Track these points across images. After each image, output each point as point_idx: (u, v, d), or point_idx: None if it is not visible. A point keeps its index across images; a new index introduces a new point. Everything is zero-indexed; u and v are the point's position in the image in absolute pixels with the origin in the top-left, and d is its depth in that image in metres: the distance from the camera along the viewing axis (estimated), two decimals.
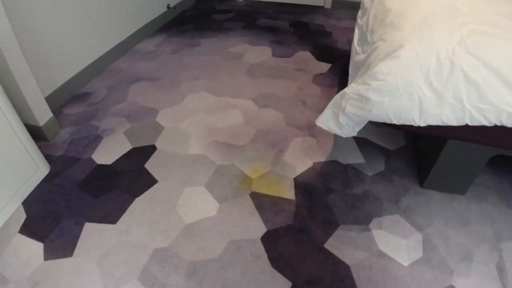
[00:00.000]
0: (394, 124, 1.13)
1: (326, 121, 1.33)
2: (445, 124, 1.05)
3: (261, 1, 3.37)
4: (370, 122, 1.57)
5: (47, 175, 1.67)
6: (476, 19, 1.09)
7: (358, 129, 1.31)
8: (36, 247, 1.36)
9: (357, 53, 1.55)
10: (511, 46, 0.96)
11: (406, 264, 1.19)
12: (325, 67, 2.30)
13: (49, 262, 1.30)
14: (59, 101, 2.11)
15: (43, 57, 1.96)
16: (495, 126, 1.02)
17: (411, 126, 1.10)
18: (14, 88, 1.65)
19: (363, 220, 1.34)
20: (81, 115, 2.04)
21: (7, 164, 1.46)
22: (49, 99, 1.97)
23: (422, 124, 1.06)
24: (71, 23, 2.12)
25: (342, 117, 1.24)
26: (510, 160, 1.58)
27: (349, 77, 1.60)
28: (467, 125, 1.04)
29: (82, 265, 1.28)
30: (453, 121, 1.03)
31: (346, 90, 1.18)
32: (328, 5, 3.12)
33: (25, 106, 1.72)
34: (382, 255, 1.22)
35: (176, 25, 3.07)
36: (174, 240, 1.33)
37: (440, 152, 1.26)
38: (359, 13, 1.78)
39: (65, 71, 2.14)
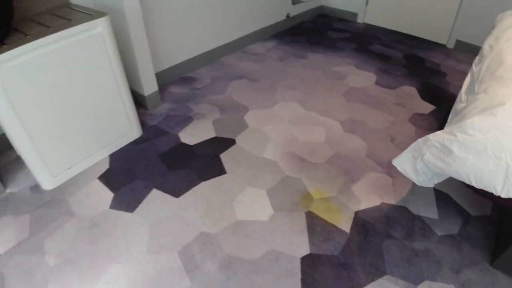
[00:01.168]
0: (473, 187, 1.02)
1: (403, 163, 1.25)
2: None
3: (380, 27, 3.27)
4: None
5: (137, 139, 1.88)
6: None
7: (436, 181, 1.21)
8: (106, 195, 1.55)
9: (461, 101, 1.43)
10: None
11: None
12: (427, 107, 2.14)
13: (112, 211, 1.48)
14: (168, 78, 2.35)
15: (164, 38, 2.21)
16: None
17: (491, 194, 0.98)
18: (131, 57, 1.90)
19: (413, 279, 1.23)
20: (182, 95, 2.25)
21: (106, 118, 1.69)
22: (160, 75, 2.21)
23: (503, 195, 0.94)
24: (197, 13, 2.34)
25: (420, 163, 1.15)
26: None
27: (446, 124, 1.48)
28: None
29: (137, 223, 1.42)
30: None
31: (430, 136, 1.10)
32: (451, 44, 2.89)
33: (136, 75, 1.97)
34: None
35: (290, 34, 3.16)
36: (221, 230, 1.39)
37: None
38: (476, 59, 1.63)
39: (179, 54, 2.39)
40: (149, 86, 2.05)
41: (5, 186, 1.61)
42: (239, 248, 1.32)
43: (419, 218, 1.46)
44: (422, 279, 1.22)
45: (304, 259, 1.28)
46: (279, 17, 3.11)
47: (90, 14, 1.50)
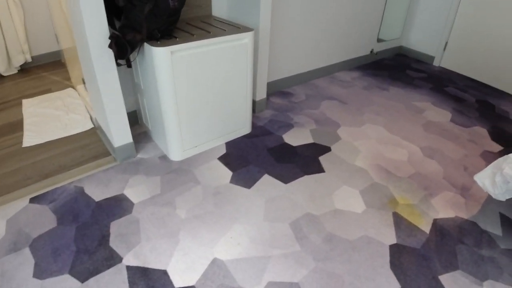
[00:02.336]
0: None
1: (483, 178, 1.57)
2: None
3: (455, 72, 3.57)
4: None
5: (248, 134, 2.31)
6: None
7: (508, 196, 1.51)
8: (226, 173, 1.96)
9: None
10: None
11: None
12: (496, 148, 2.41)
13: (232, 185, 1.88)
14: (270, 90, 2.80)
15: (274, 56, 2.67)
16: None
17: None
18: (254, 66, 2.35)
19: (480, 276, 1.51)
20: (282, 106, 2.67)
21: (231, 112, 2.13)
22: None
23: None
24: (300, 39, 2.79)
25: (498, 177, 1.47)
26: None
27: None
28: None
29: (254, 197, 1.81)
30: None
31: (510, 155, 1.42)
32: None
33: (254, 81, 2.41)
34: None
35: (372, 68, 3.54)
36: (323, 214, 1.75)
37: None
38: None
39: (281, 71, 2.83)
40: (260, 93, 2.49)
41: (136, 152, 2.07)
42: (338, 229, 1.67)
43: (486, 232, 1.74)
44: (487, 278, 1.51)
45: (392, 247, 1.61)
46: (364, 51, 3.51)
47: (238, 27, 1.96)
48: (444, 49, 3.60)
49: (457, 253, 1.61)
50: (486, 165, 2.22)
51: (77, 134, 2.21)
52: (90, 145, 2.09)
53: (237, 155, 2.11)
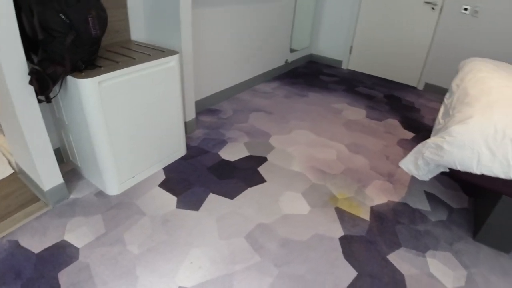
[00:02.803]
0: (458, 173, 1.54)
1: (407, 163, 1.77)
2: (495, 176, 1.44)
3: (362, 73, 3.95)
4: (441, 180, 1.97)
5: (184, 156, 2.28)
6: None
7: (430, 176, 1.72)
8: (170, 198, 1.92)
9: (439, 123, 1.99)
10: None
11: (449, 287, 1.52)
12: (409, 135, 2.73)
13: (179, 210, 1.84)
14: (197, 109, 2.80)
15: (198, 75, 2.69)
16: None
17: (470, 173, 1.50)
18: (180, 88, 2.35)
19: (421, 249, 1.69)
20: (212, 123, 2.69)
21: (165, 136, 2.09)
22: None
23: (478, 173, 1.46)
24: (221, 57, 2.86)
25: (420, 160, 1.67)
26: None
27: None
28: None
29: (204, 218, 1.79)
30: (501, 174, 1.42)
31: (427, 140, 1.63)
32: (420, 86, 3.61)
33: (183, 105, 2.41)
34: (431, 276, 1.56)
35: (289, 77, 3.75)
36: (274, 221, 1.80)
37: (493, 208, 1.61)
38: (447, 95, 2.23)
39: (206, 89, 2.86)
40: (189, 114, 2.48)
41: (69, 192, 1.92)
42: (290, 232, 1.74)
43: (417, 210, 1.95)
44: (427, 249, 1.69)
45: (341, 239, 1.72)
46: (279, 62, 3.71)
47: (162, 51, 1.95)
48: (350, 52, 3.98)
49: (397, 233, 1.78)
50: (404, 152, 2.50)
51: None
52: (15, 193, 1.87)
53: (178, 178, 2.07)
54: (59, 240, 1.60)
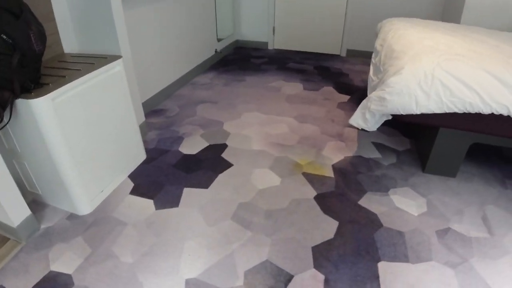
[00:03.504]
0: (402, 117, 1.79)
1: (356, 119, 1.98)
2: (432, 112, 1.71)
3: (288, 50, 4.17)
4: (383, 130, 2.23)
5: (145, 160, 2.27)
6: (449, 53, 1.79)
7: (377, 126, 1.96)
8: (146, 202, 1.92)
9: (373, 80, 2.25)
10: (467, 65, 1.66)
11: (416, 214, 1.77)
12: (345, 98, 2.99)
13: (159, 211, 1.86)
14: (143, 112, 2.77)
15: (138, 77, 2.66)
16: (469, 114, 1.68)
17: (412, 115, 1.76)
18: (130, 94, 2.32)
19: (384, 190, 1.93)
20: (162, 123, 2.69)
21: (123, 143, 2.06)
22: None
23: (418, 112, 1.72)
24: (157, 54, 2.85)
25: (367, 114, 1.89)
26: (489, 155, 2.20)
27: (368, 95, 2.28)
28: (447, 114, 1.70)
29: (187, 211, 1.84)
30: (437, 110, 1.69)
31: (370, 95, 1.85)
32: (343, 53, 3.95)
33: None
34: (398, 209, 1.80)
35: (222, 65, 3.83)
36: (252, 198, 1.91)
37: (434, 141, 1.90)
38: (373, 55, 2.50)
39: (148, 91, 2.83)
40: (139, 117, 2.46)
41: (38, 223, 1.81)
42: (271, 204, 1.86)
43: (370, 159, 2.20)
44: (388, 189, 1.94)
45: (315, 198, 1.89)
46: (210, 53, 3.76)
47: (105, 58, 1.91)
48: (273, 33, 4.16)
49: (360, 181, 2.00)
50: (345, 113, 2.75)
51: None
52: None
53: (147, 182, 2.07)
54: (46, 272, 1.53)
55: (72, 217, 1.84)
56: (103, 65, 1.82)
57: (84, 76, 1.70)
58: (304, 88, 3.19)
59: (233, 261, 1.53)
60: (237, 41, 4.38)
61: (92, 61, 1.87)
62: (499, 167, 2.13)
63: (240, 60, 3.99)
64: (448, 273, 1.44)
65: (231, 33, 4.24)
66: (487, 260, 1.50)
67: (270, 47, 4.26)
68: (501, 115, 1.66)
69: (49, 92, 1.51)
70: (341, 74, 3.47)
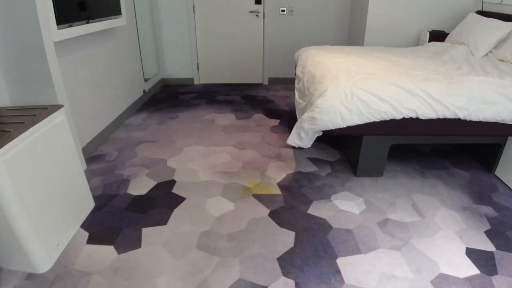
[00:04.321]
0: (331, 132, 2.08)
1: (292, 139, 2.23)
2: (355, 124, 2.03)
3: (214, 83, 4.40)
4: (315, 146, 2.51)
5: (94, 207, 2.24)
6: (361, 73, 2.16)
7: (311, 142, 2.23)
8: (107, 249, 1.91)
9: (300, 103, 2.55)
10: (377, 81, 2.02)
11: (357, 212, 2.04)
12: (276, 122, 3.27)
13: (123, 254, 1.87)
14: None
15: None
16: (385, 121, 2.03)
17: (340, 128, 2.06)
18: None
19: (326, 197, 2.18)
20: (103, 168, 2.66)
21: (71, 193, 2.03)
22: None
23: (344, 125, 2.03)
24: (90, 103, 2.84)
25: (302, 133, 2.15)
26: (407, 153, 2.60)
27: (298, 118, 2.56)
28: (368, 124, 2.03)
29: (151, 250, 1.88)
30: (359, 121, 2.02)
31: (302, 116, 2.11)
32: (265, 82, 4.31)
33: None
34: (342, 211, 2.06)
35: (152, 104, 3.89)
36: (211, 225, 2.01)
37: (360, 148, 2.22)
38: (296, 81, 2.83)
39: (82, 137, 2.80)
40: (81, 164, 2.41)
41: None
42: (230, 227, 1.97)
43: (309, 173, 2.45)
44: (330, 195, 2.20)
45: (269, 214, 2.06)
46: (138, 93, 3.80)
47: (45, 108, 1.91)
48: (198, 69, 4.36)
49: (305, 193, 2.23)
50: (278, 136, 3.00)
51: None
52: None
53: (102, 229, 2.04)
54: None
55: (31, 276, 1.74)
56: (46, 116, 1.81)
57: (30, 129, 1.68)
58: (237, 118, 3.41)
59: (208, 286, 1.62)
60: (163, 79, 4.48)
61: (34, 113, 1.85)
62: (417, 161, 2.55)
63: (169, 97, 4.09)
64: (395, 255, 1.70)
65: (156, 72, 4.34)
66: (424, 238, 1.81)
67: (196, 82, 4.44)
68: (411, 118, 2.04)
69: None
70: (268, 101, 3.77)
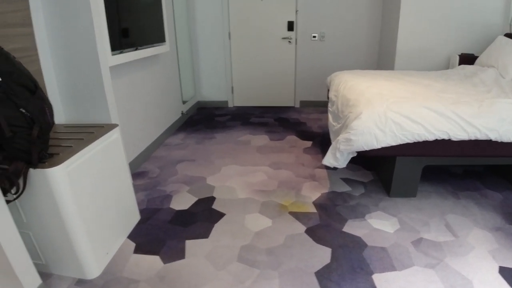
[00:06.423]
0: (366, 152, 2.17)
1: (328, 159, 2.34)
2: (389, 145, 2.12)
3: (247, 106, 4.59)
4: (348, 167, 2.61)
5: (140, 220, 2.40)
6: (394, 96, 2.27)
7: (346, 163, 2.32)
8: (153, 259, 2.05)
9: (334, 126, 2.66)
10: (409, 104, 2.12)
11: (392, 231, 2.10)
12: (308, 143, 3.39)
13: (168, 264, 2.00)
14: None
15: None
16: (418, 142, 2.11)
17: (374, 149, 2.15)
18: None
19: (360, 216, 2.25)
20: (147, 184, 2.85)
21: (121, 206, 2.20)
22: None
23: (379, 147, 2.12)
24: (135, 123, 3.07)
25: (337, 153, 2.26)
26: (440, 174, 2.64)
27: (332, 140, 2.66)
28: (402, 145, 2.11)
29: (194, 261, 2.00)
30: (393, 142, 2.11)
31: (338, 138, 2.23)
32: (297, 105, 4.47)
33: None
34: (376, 230, 2.12)
35: (189, 125, 4.11)
36: (251, 240, 2.12)
37: (394, 169, 2.30)
38: (329, 104, 2.95)
39: (128, 155, 3.01)
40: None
41: None
42: (269, 242, 2.08)
43: (343, 192, 2.54)
44: (364, 214, 2.27)
45: (306, 231, 2.15)
46: (177, 115, 4.04)
47: (102, 127, 2.11)
48: (232, 92, 4.57)
49: (339, 212, 2.31)
50: (312, 157, 3.11)
51: None
52: None
53: (148, 240, 2.20)
54: None
55: (80, 282, 1.90)
56: (103, 134, 2.01)
57: (90, 145, 1.88)
58: (270, 139, 3.55)
59: None
60: (199, 102, 4.73)
61: (91, 131, 2.05)
62: (449, 182, 2.59)
63: (205, 119, 4.30)
64: (429, 272, 1.75)
65: (193, 95, 4.59)
66: (458, 257, 1.85)
67: (230, 105, 4.65)
68: (443, 139, 2.11)
69: (63, 161, 1.66)
70: (300, 123, 3.90)
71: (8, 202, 1.58)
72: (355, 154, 2.31)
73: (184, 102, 4.22)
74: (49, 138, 1.72)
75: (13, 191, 1.57)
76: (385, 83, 2.69)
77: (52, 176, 1.63)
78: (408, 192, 2.41)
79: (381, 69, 4.10)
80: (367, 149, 2.17)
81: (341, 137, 2.22)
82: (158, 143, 3.56)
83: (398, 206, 2.35)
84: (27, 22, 2.08)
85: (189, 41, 4.48)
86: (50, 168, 1.61)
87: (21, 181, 1.62)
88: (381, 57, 4.24)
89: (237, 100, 4.63)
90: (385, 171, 2.53)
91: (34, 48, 2.15)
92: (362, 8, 4.22)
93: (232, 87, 4.58)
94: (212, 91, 4.64)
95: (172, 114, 3.93)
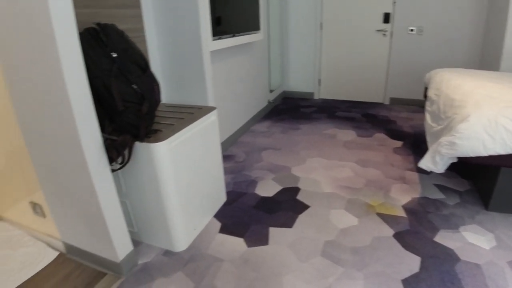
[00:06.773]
0: (470, 159, 2.01)
1: (425, 162, 2.21)
2: (497, 153, 1.93)
3: (334, 99, 4.51)
4: (443, 174, 2.45)
5: (226, 202, 2.52)
6: (505, 100, 2.05)
7: (445, 168, 2.18)
8: (237, 241, 2.14)
9: (432, 127, 2.49)
10: None
11: (487, 248, 1.94)
12: (399, 143, 3.24)
13: (252, 248, 2.08)
14: None
15: None
16: None
17: (480, 157, 1.98)
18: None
19: (454, 227, 2.11)
20: (233, 168, 2.97)
21: (212, 184, 2.32)
22: None
23: (486, 154, 1.95)
24: (226, 108, 3.20)
25: (437, 157, 2.12)
26: None
27: (428, 144, 2.50)
28: (510, 155, 1.92)
29: (278, 249, 2.05)
30: (501, 151, 1.92)
31: (440, 140, 2.09)
32: (386, 102, 4.26)
33: None
34: (471, 244, 1.97)
35: (274, 115, 4.17)
36: (336, 236, 2.12)
37: (496, 181, 2.10)
38: (428, 103, 2.77)
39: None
40: None
41: None
42: (354, 241, 2.06)
43: (436, 200, 2.39)
44: (459, 226, 2.12)
45: (394, 236, 2.08)
46: (264, 103, 4.13)
47: (200, 108, 2.23)
48: (319, 84, 4.53)
49: (431, 220, 2.19)
50: (402, 158, 2.97)
51: (45, 268, 1.91)
52: (73, 273, 1.84)
53: (233, 222, 2.31)
54: None
55: (167, 253, 2.05)
56: (203, 115, 2.13)
57: (191, 125, 2.00)
58: (358, 135, 3.46)
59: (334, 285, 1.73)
60: (284, 92, 4.77)
61: (191, 111, 2.19)
62: None
63: (290, 109, 4.33)
64: None
65: (280, 84, 4.63)
66: None
67: (316, 97, 4.62)
68: None
69: (167, 138, 1.79)
70: (389, 121, 3.74)
71: (112, 171, 1.74)
72: (455, 160, 2.15)
73: (271, 91, 4.29)
74: (155, 115, 1.86)
75: (118, 161, 1.73)
76: (493, 85, 2.44)
77: (157, 150, 1.77)
78: (509, 208, 2.19)
79: (484, 69, 3.72)
80: (472, 156, 2.01)
81: (444, 139, 2.08)
82: (245, 129, 3.68)
83: (496, 221, 2.15)
84: (136, 4, 2.24)
85: (280, 30, 4.51)
86: (155, 143, 1.75)
87: (126, 153, 1.76)
88: (485, 56, 3.83)
89: (323, 93, 4.57)
90: (485, 182, 2.32)
91: (142, 30, 2.31)
92: (465, 1, 3.84)
93: (320, 79, 4.53)
94: (299, 81, 4.64)
95: (259, 102, 4.02)
